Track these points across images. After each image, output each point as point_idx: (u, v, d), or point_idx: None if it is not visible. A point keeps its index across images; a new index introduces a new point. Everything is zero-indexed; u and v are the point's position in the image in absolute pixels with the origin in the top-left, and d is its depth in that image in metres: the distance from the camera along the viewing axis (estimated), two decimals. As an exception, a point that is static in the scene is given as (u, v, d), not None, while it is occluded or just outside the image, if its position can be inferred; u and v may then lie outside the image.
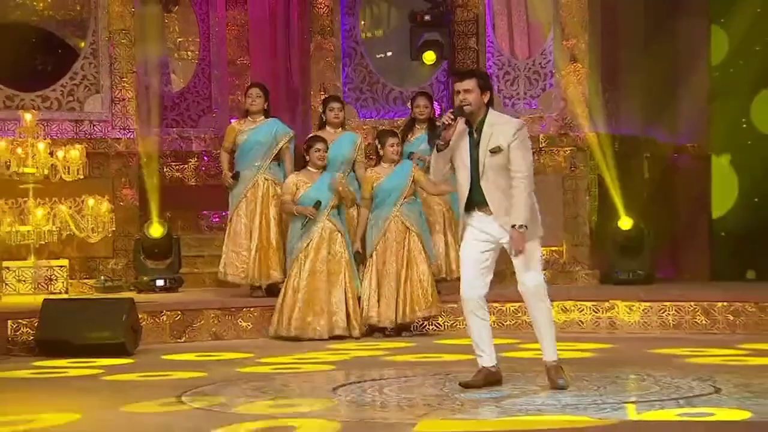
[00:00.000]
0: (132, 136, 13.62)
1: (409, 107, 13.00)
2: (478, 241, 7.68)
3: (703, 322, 11.72)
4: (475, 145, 7.57)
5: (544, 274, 8.02)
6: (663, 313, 12.05)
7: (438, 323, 12.08)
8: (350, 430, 6.69)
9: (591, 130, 14.34)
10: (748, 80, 16.24)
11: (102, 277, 12.88)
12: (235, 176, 12.43)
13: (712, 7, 16.23)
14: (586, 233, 14.49)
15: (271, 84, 14.52)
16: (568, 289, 13.72)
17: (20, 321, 10.59)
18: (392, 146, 11.54)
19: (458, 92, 7.54)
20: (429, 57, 14.58)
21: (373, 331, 11.46)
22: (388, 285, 11.54)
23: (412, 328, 11.64)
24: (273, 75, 15.40)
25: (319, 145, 11.42)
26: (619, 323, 12.31)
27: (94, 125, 13.38)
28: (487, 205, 7.55)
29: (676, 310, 12.06)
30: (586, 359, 10.08)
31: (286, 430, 6.54)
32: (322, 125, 12.31)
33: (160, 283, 12.74)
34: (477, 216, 7.62)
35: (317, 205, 11.21)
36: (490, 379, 7.67)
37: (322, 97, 14.00)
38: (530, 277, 7.63)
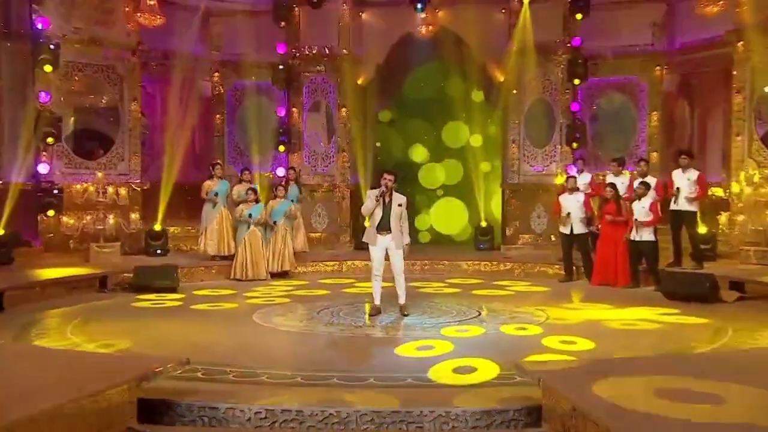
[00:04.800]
0: (140, 181, 13.81)
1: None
2: (381, 248, 8.57)
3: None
4: (389, 203, 8.44)
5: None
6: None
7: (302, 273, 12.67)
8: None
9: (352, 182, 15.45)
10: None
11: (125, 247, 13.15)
12: (213, 199, 12.69)
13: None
14: (347, 224, 15.31)
15: (190, 159, 15.17)
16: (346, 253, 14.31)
17: (120, 274, 11.26)
18: (279, 190, 12.48)
19: (387, 180, 8.41)
20: (282, 148, 14.88)
21: (274, 275, 12.10)
22: (275, 252, 12.21)
23: (287, 276, 12.20)
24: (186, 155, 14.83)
25: (250, 191, 12.22)
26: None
27: (121, 176, 13.58)
28: (388, 230, 8.50)
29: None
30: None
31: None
32: (239, 182, 12.90)
33: (158, 252, 13.20)
34: (380, 236, 8.52)
35: (249, 217, 11.97)
36: (377, 310, 8.67)
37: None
38: (399, 264, 8.62)
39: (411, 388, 5.71)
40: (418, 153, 17.33)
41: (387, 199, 8.45)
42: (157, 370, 5.30)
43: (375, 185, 14.75)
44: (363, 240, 8.82)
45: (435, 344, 7.20)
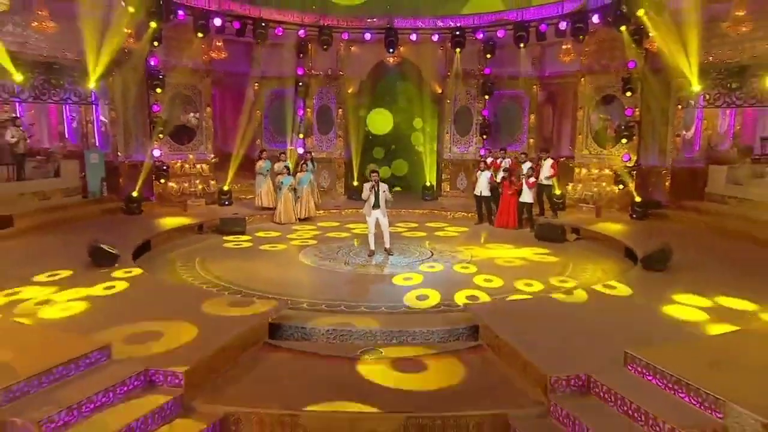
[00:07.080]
0: (212, 158, 13.57)
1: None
2: (374, 218, 8.58)
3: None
4: (378, 190, 8.39)
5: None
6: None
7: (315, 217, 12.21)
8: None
9: (345, 157, 15.20)
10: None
11: (206, 201, 13.16)
12: (263, 173, 12.44)
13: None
14: (342, 183, 15.08)
15: (239, 139, 14.12)
16: (343, 203, 13.77)
17: (209, 221, 11.02)
18: (304, 165, 12.33)
19: (375, 176, 8.45)
20: (301, 135, 14.28)
21: (300, 220, 11.90)
22: (302, 205, 12.01)
23: (310, 220, 11.84)
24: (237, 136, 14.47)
25: (285, 167, 11.98)
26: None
27: (201, 155, 13.45)
28: (378, 207, 8.48)
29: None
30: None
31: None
32: (278, 160, 12.58)
33: (226, 203, 13.01)
34: (374, 210, 8.50)
35: (282, 184, 11.76)
36: (372, 253, 8.59)
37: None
38: (385, 224, 8.64)
39: (405, 315, 6.26)
40: (385, 124, 16.87)
41: (377, 189, 8.51)
42: (278, 309, 6.18)
43: (363, 161, 15.27)
44: (363, 212, 8.75)
45: (413, 276, 7.51)
